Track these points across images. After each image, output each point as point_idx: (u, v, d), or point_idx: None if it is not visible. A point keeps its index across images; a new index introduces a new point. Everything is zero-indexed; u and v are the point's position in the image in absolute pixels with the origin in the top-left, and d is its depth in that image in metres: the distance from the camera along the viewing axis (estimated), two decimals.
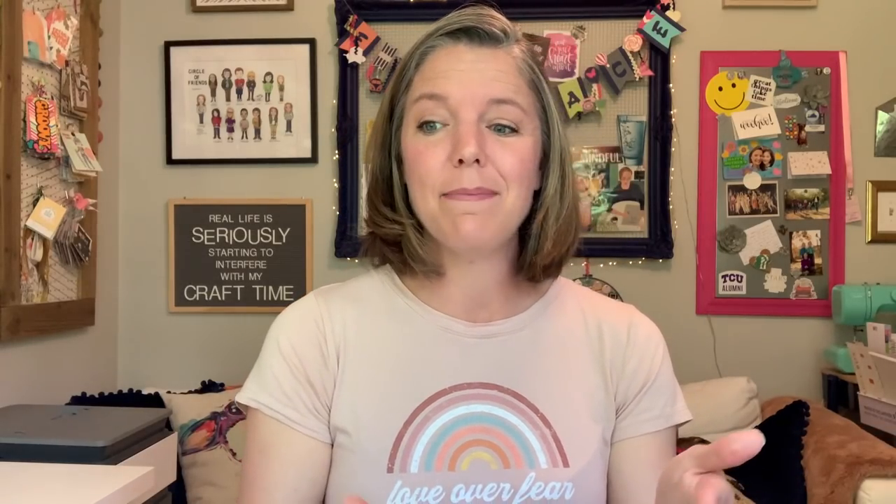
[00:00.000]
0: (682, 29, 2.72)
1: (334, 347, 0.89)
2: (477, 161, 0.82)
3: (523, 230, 0.90)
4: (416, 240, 0.87)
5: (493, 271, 0.90)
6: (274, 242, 2.84)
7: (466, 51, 0.86)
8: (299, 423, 0.87)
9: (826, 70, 2.75)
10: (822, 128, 2.75)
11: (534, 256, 0.89)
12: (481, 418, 0.87)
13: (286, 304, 0.95)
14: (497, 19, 0.88)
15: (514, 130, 0.85)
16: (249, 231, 2.84)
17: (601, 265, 2.78)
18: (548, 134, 0.89)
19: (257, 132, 2.84)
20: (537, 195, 0.89)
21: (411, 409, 0.87)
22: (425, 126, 0.85)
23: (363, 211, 0.95)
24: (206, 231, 2.84)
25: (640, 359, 0.93)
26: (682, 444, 2.33)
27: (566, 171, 0.90)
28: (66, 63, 2.35)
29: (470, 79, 0.84)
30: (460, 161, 0.81)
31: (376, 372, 0.89)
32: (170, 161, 2.86)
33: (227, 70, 2.84)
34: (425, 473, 0.84)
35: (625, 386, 0.93)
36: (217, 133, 2.85)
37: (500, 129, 0.84)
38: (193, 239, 2.85)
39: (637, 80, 2.75)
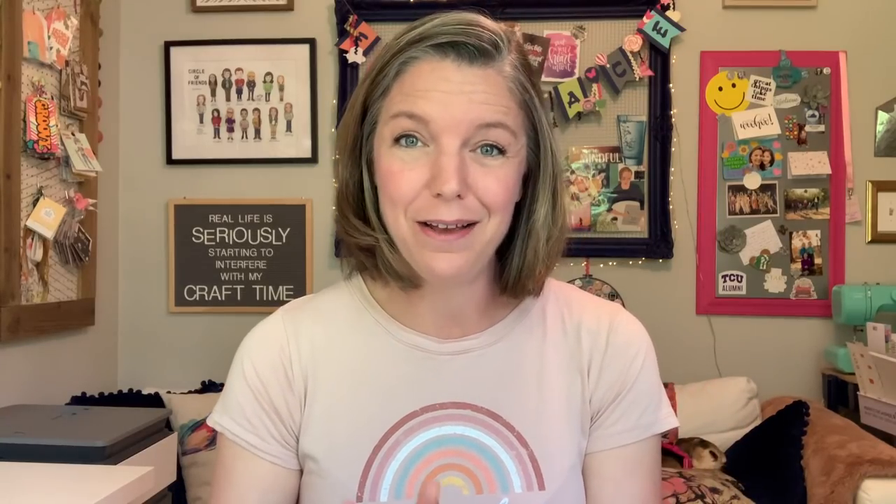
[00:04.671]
0: (682, 29, 2.72)
1: (301, 371, 0.86)
2: (458, 195, 0.76)
3: (503, 248, 0.85)
4: (389, 254, 0.82)
5: (468, 293, 0.86)
6: (274, 242, 2.84)
7: (453, 69, 0.77)
8: (262, 449, 0.86)
9: (826, 70, 2.75)
10: (822, 128, 2.75)
11: (521, 277, 0.84)
12: (454, 441, 0.84)
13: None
14: (486, 30, 0.79)
15: (500, 152, 0.78)
16: (249, 231, 2.84)
17: (601, 265, 2.78)
18: (536, 152, 0.83)
19: (257, 132, 2.84)
20: (518, 207, 0.84)
21: (381, 434, 0.84)
22: (404, 140, 0.78)
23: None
24: (206, 231, 2.84)
25: (617, 368, 0.88)
26: (682, 444, 2.33)
27: (558, 193, 0.84)
28: (66, 63, 2.35)
29: (455, 101, 0.76)
30: (439, 194, 0.76)
31: (345, 394, 0.85)
32: (170, 161, 2.86)
33: (227, 70, 2.84)
34: (395, 502, 0.82)
35: (599, 395, 0.88)
36: (217, 133, 2.85)
37: (486, 150, 0.78)
38: (193, 239, 2.84)
39: (637, 80, 2.75)
